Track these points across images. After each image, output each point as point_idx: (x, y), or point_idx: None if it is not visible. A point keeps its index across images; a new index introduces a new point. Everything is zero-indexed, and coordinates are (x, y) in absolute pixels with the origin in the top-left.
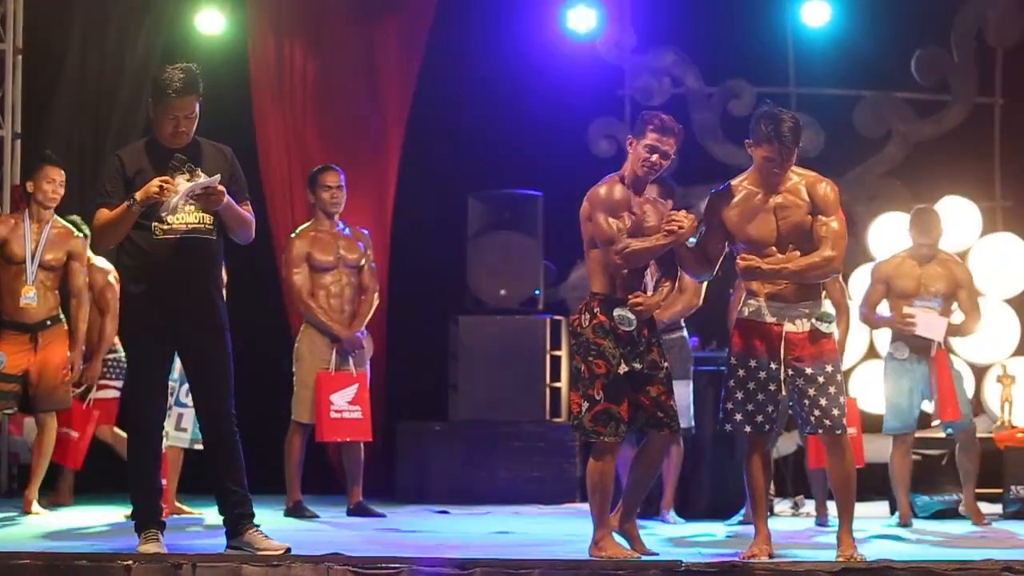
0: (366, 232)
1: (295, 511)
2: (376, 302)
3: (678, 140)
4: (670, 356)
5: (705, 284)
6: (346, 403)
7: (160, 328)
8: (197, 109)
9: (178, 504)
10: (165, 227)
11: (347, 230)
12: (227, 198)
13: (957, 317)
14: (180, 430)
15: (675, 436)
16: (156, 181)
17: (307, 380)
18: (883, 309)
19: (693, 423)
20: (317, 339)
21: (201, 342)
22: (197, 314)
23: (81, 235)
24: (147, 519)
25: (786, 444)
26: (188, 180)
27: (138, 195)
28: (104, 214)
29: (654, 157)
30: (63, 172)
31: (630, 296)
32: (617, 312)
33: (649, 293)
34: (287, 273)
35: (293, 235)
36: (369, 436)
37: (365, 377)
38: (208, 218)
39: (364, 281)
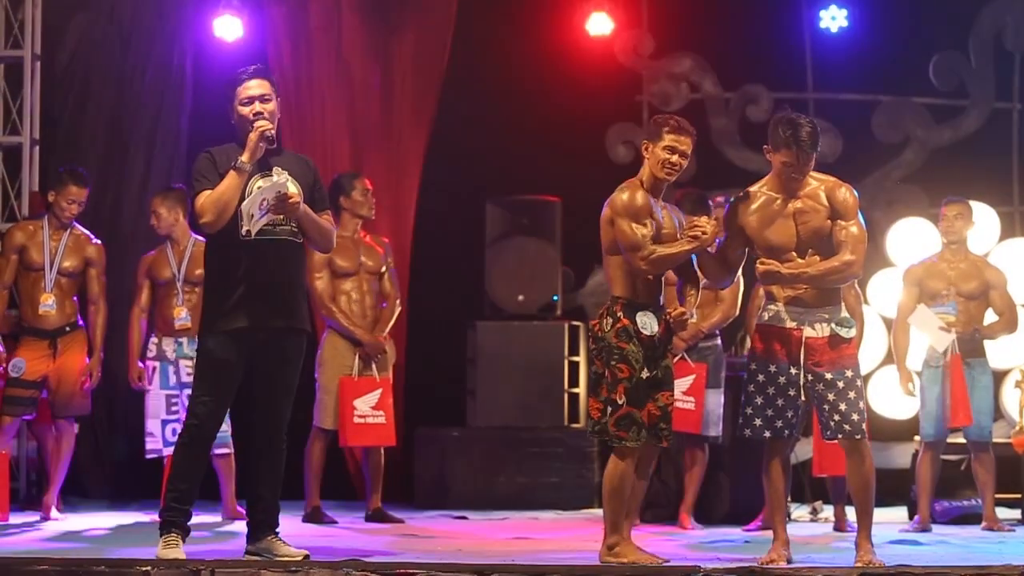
0: (386, 241)
1: (313, 517)
2: (398, 309)
3: (693, 139)
4: (705, 364)
5: (741, 294)
6: (369, 408)
7: (241, 329)
8: (275, 100)
9: (239, 508)
10: (252, 229)
11: (367, 237)
12: (303, 205)
13: (991, 318)
14: None
15: (667, 448)
16: (253, 134)
17: (330, 386)
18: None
19: (720, 432)
20: (340, 345)
21: (280, 344)
22: (279, 315)
23: (99, 241)
24: (172, 522)
25: (804, 449)
26: (268, 180)
27: (244, 155)
28: (207, 193)
29: (674, 158)
30: (86, 191)
31: (669, 311)
32: (640, 317)
33: (675, 303)
34: (309, 279)
35: None
36: (393, 441)
37: (388, 382)
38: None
39: (385, 288)
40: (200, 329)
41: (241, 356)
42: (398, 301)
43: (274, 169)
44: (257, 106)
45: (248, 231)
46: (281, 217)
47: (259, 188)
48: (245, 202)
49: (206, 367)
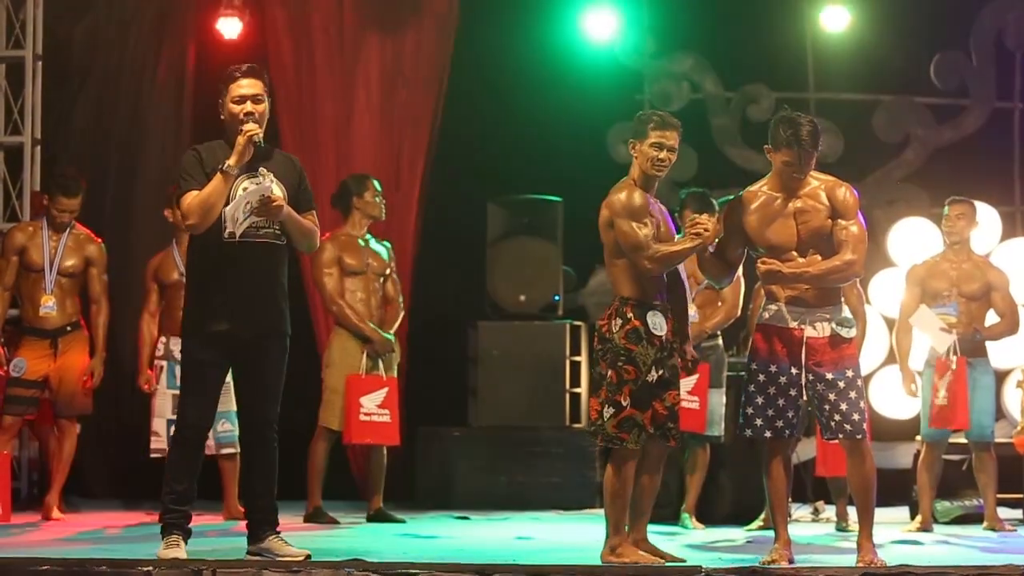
0: (388, 244)
1: (315, 516)
2: (401, 312)
3: (679, 132)
4: (707, 364)
5: (742, 294)
6: (375, 406)
7: (222, 332)
8: (266, 101)
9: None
10: (236, 231)
11: (372, 239)
12: (287, 208)
13: (992, 319)
14: None
15: (676, 447)
16: (241, 138)
17: (338, 386)
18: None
19: (722, 432)
20: (348, 344)
21: (262, 345)
22: (261, 318)
23: (100, 240)
24: (173, 524)
25: (805, 449)
26: (254, 182)
27: (232, 159)
28: (194, 195)
29: (663, 153)
30: (77, 201)
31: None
32: (650, 317)
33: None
34: (318, 275)
35: (324, 238)
36: (396, 441)
37: (395, 382)
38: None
39: (388, 291)
40: (182, 331)
41: (224, 357)
42: (401, 305)
43: (259, 171)
44: (248, 106)
45: (232, 233)
46: (264, 219)
47: (244, 190)
48: (229, 206)
49: (191, 370)
